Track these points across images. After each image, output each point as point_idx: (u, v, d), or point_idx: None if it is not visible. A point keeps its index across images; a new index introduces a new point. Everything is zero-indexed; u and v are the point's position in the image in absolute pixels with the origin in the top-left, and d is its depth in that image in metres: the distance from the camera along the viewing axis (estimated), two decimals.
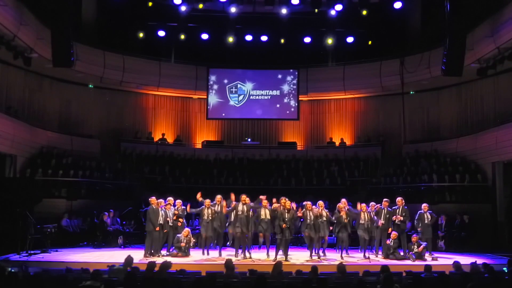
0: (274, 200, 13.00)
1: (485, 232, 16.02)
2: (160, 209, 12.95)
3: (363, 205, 13.26)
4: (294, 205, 12.69)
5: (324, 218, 12.77)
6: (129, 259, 9.24)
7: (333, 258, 12.87)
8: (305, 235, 12.89)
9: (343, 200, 13.40)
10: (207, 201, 13.04)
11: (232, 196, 13.00)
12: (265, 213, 12.67)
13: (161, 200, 13.24)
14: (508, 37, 15.44)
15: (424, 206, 13.72)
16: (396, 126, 21.70)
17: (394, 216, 13.15)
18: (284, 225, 12.29)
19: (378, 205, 13.34)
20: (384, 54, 20.88)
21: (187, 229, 13.25)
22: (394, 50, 20.76)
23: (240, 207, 12.63)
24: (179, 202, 13.65)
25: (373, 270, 9.34)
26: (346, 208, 13.12)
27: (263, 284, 6.55)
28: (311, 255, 12.80)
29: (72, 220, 16.18)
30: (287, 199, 12.70)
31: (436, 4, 17.99)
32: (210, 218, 12.89)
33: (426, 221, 13.41)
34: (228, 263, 8.72)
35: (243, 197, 12.76)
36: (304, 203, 13.07)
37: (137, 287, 7.24)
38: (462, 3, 15.47)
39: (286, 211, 12.43)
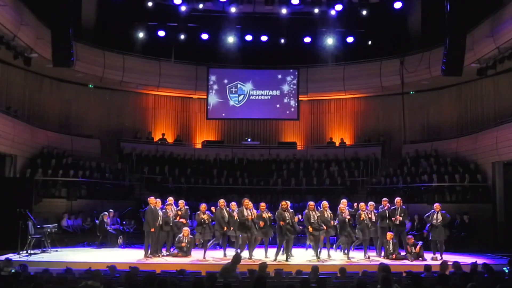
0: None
1: (485, 232, 16.01)
2: (159, 209, 12.95)
3: (362, 204, 13.27)
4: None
5: (329, 219, 12.75)
6: (237, 257, 9.33)
7: (335, 258, 12.89)
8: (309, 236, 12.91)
9: (343, 200, 13.37)
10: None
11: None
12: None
13: (158, 200, 13.23)
14: (508, 37, 15.44)
15: (436, 206, 13.36)
16: (396, 126, 21.70)
17: (394, 218, 13.14)
18: (282, 222, 12.34)
19: (385, 204, 13.33)
20: (384, 54, 20.86)
21: (186, 229, 13.17)
22: (394, 50, 20.73)
23: (245, 213, 12.65)
24: (181, 202, 13.61)
25: (373, 270, 9.34)
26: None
27: (262, 284, 6.55)
28: (316, 255, 12.81)
29: (72, 220, 16.19)
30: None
31: (436, 4, 17.99)
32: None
33: (434, 222, 13.14)
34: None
35: (246, 202, 12.84)
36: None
37: (137, 287, 7.23)
38: (462, 3, 15.48)
39: (284, 210, 12.49)
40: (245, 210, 12.68)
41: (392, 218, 13.13)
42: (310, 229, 12.45)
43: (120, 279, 8.01)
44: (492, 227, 16.48)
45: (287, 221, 12.33)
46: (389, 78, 20.75)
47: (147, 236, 12.85)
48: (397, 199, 13.49)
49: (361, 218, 12.92)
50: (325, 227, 12.55)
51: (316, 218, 12.50)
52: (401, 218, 13.13)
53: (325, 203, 13.10)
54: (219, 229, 12.84)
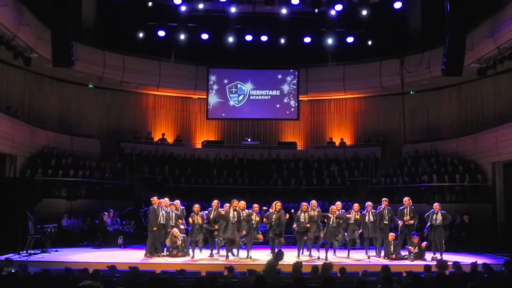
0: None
1: (485, 232, 16.01)
2: (160, 209, 12.93)
3: (356, 205, 13.34)
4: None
5: (315, 218, 12.77)
6: (280, 254, 9.47)
7: (335, 258, 12.88)
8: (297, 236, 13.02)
9: (338, 203, 13.40)
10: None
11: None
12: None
13: (161, 200, 13.22)
14: (508, 37, 15.44)
15: (436, 205, 13.25)
16: (396, 126, 21.70)
17: (405, 217, 13.04)
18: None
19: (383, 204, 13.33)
20: (384, 54, 20.85)
21: (175, 230, 13.01)
22: (394, 50, 20.72)
23: (231, 213, 12.62)
24: (177, 202, 13.58)
25: (373, 270, 9.34)
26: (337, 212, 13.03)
27: (262, 284, 6.55)
28: (310, 254, 12.95)
29: (72, 220, 16.19)
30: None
31: (436, 4, 17.99)
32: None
33: (432, 222, 13.05)
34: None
35: (235, 203, 12.79)
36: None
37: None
38: (462, 3, 15.47)
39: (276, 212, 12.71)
40: (232, 211, 12.66)
41: (405, 218, 13.04)
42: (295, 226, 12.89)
43: (121, 279, 8.00)
44: (492, 227, 16.48)
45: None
46: (389, 78, 20.74)
47: (149, 236, 12.85)
48: (406, 199, 13.41)
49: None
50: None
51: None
52: (412, 222, 13.02)
53: (313, 202, 13.09)
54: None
